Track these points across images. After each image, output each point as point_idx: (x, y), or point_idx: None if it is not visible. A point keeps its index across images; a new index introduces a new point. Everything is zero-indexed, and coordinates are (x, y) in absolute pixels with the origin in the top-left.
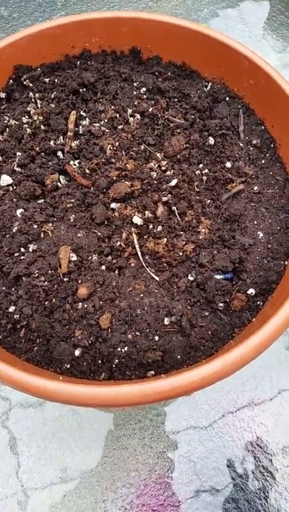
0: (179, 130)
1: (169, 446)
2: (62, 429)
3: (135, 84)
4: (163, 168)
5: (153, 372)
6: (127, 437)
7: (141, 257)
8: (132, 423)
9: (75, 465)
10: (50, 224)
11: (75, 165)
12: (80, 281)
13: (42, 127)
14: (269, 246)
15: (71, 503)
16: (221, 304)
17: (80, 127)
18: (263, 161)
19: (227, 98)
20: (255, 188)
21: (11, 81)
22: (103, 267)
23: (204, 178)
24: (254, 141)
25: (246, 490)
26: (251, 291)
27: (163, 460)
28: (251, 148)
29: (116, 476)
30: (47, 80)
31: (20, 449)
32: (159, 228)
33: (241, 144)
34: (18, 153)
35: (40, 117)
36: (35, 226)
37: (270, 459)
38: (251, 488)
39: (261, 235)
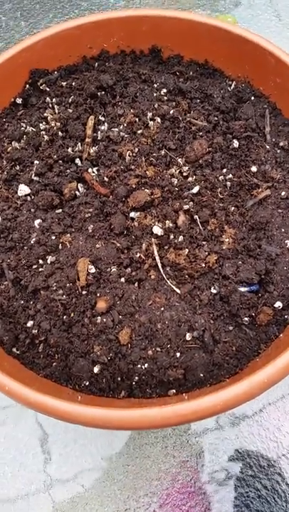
0: (201, 133)
1: (192, 456)
2: (84, 436)
3: (155, 85)
4: (184, 174)
5: (174, 390)
6: (149, 446)
7: (161, 269)
8: (155, 431)
9: (97, 473)
10: (69, 235)
11: (93, 172)
12: (98, 295)
13: (59, 134)
14: None
15: (93, 511)
16: (245, 318)
17: (99, 133)
18: None
19: (252, 98)
20: (283, 193)
21: (27, 86)
22: (122, 280)
23: (228, 183)
24: (281, 143)
25: (272, 502)
26: (278, 304)
27: (186, 469)
28: (278, 151)
29: (138, 485)
30: (64, 83)
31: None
32: (181, 238)
33: (268, 147)
34: (36, 162)
35: (58, 123)
36: (53, 237)
37: None
38: (277, 501)
39: None
